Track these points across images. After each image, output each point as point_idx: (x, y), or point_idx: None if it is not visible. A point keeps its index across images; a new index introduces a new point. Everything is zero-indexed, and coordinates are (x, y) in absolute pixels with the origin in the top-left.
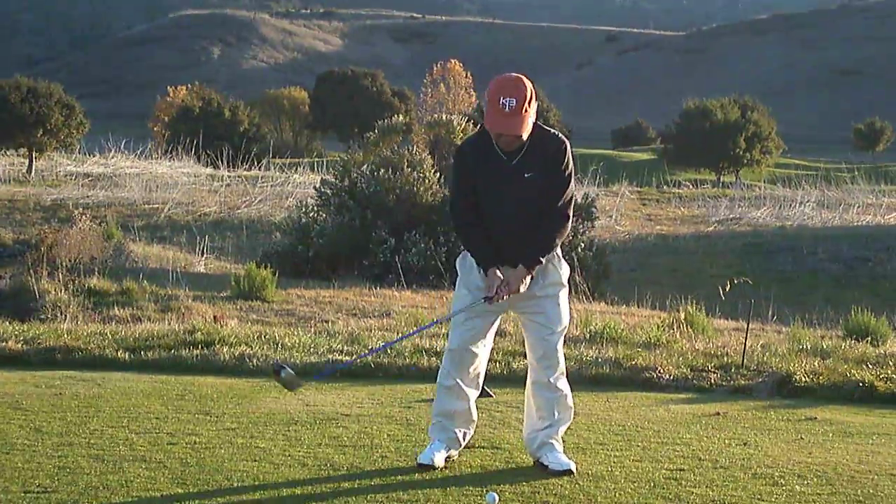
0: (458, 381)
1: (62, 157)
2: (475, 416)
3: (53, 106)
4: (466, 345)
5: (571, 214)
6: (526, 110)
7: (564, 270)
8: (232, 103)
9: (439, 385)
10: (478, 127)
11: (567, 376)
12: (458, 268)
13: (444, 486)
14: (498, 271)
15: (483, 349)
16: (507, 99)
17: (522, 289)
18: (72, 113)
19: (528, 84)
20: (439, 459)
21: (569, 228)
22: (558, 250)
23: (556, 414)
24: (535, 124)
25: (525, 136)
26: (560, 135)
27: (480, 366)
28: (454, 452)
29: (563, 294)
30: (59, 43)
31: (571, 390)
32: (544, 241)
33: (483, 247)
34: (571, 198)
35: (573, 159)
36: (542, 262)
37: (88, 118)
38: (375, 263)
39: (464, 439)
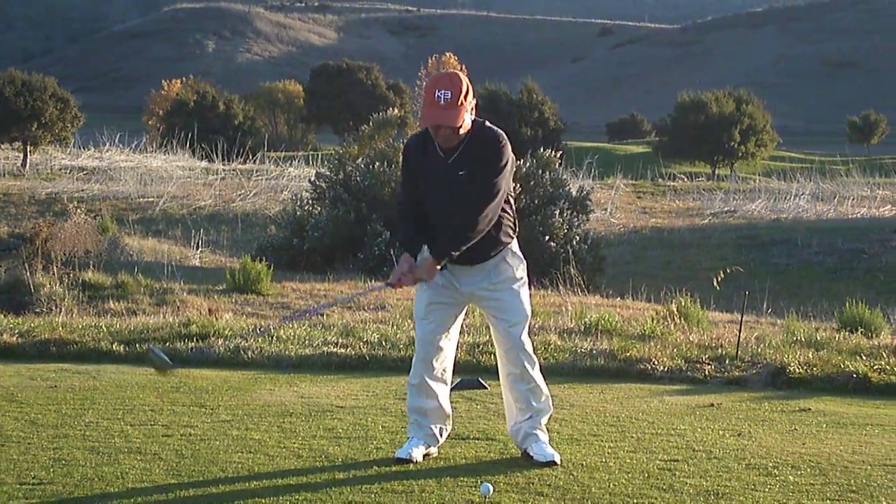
0: (425, 377)
1: (57, 150)
2: (449, 411)
3: (48, 99)
4: (429, 338)
5: (499, 212)
6: (461, 103)
7: (519, 266)
8: (227, 97)
9: (409, 384)
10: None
11: (540, 367)
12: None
13: (438, 476)
14: (410, 260)
15: (447, 342)
16: (443, 91)
17: (426, 277)
18: (66, 107)
19: (465, 79)
20: (417, 454)
21: (487, 226)
22: (514, 247)
23: (534, 404)
24: (474, 121)
25: (462, 130)
26: (499, 132)
27: (447, 360)
28: (433, 449)
29: (521, 288)
30: (54, 36)
31: (566, 382)
32: (455, 235)
33: (408, 235)
34: (499, 195)
35: (510, 157)
36: (450, 256)
37: (83, 112)
38: (370, 256)
39: (440, 435)
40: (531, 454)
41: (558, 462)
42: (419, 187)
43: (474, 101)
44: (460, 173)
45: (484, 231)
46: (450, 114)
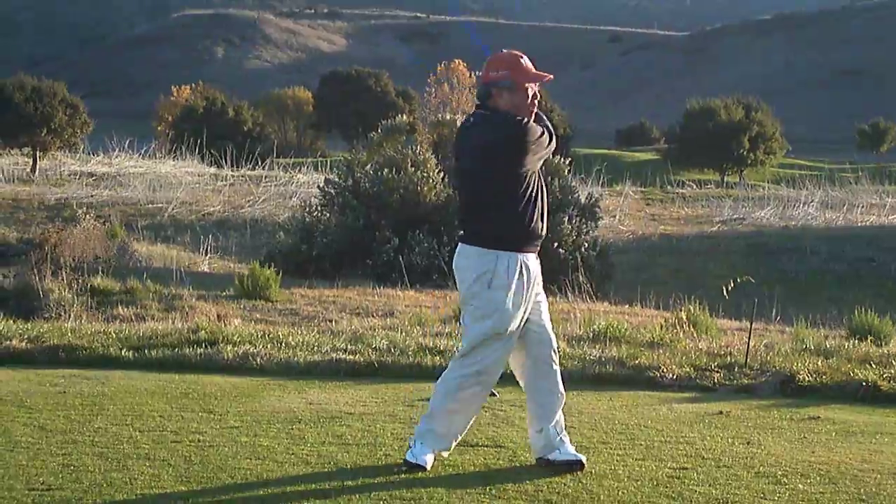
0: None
1: (66, 156)
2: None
3: (57, 105)
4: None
5: None
6: None
7: None
8: (236, 103)
9: (455, 391)
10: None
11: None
12: (493, 278)
13: (447, 484)
14: None
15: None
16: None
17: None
18: (76, 112)
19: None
20: (430, 460)
21: None
22: None
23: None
24: None
25: None
26: None
27: None
28: (444, 453)
29: None
30: (63, 42)
31: (575, 389)
32: None
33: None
34: None
35: None
36: None
37: (92, 118)
38: (379, 263)
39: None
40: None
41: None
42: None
43: None
44: None
45: None
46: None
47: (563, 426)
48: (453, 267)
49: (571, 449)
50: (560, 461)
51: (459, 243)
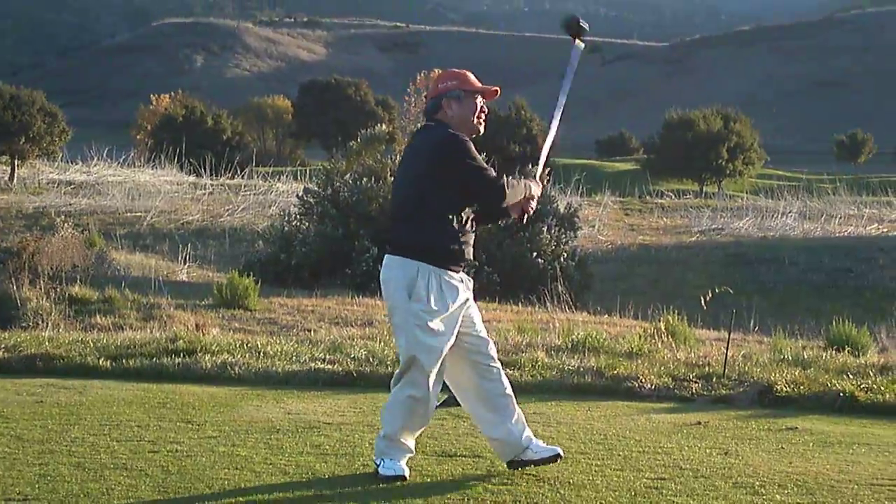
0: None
1: (44, 164)
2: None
3: (36, 113)
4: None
5: None
6: None
7: None
8: (215, 112)
9: (411, 400)
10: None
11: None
12: (424, 290)
13: (425, 495)
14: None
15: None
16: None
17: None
18: (54, 121)
19: None
20: (406, 468)
21: None
22: None
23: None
24: None
25: None
26: None
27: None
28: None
29: None
30: (43, 51)
31: (553, 399)
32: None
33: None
34: None
35: None
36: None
37: (71, 126)
38: (358, 272)
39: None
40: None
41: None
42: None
43: None
44: None
45: None
46: None
47: (525, 421)
48: (380, 280)
49: (542, 443)
50: (536, 459)
51: (385, 255)
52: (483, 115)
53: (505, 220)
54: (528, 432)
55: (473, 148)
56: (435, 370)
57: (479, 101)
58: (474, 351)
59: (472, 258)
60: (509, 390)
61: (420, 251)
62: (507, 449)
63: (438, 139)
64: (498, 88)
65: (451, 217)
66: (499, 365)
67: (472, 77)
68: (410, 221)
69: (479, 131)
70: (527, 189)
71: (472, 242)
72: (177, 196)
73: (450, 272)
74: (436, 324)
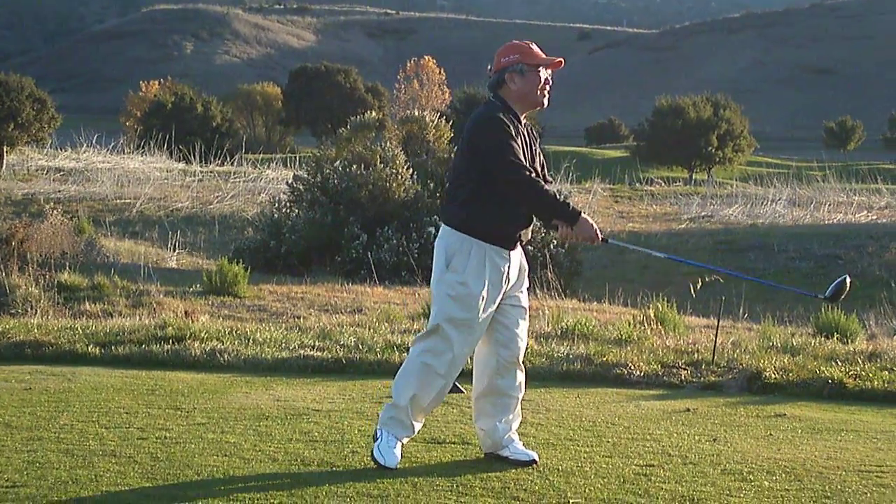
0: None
1: (33, 151)
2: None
3: (25, 100)
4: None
5: None
6: None
7: None
8: (204, 98)
9: (433, 376)
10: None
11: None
12: (462, 262)
13: (414, 481)
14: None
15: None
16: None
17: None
18: (43, 107)
19: None
20: (398, 455)
21: None
22: None
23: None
24: None
25: None
26: None
27: None
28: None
29: None
30: (31, 37)
31: (542, 386)
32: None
33: (559, 198)
34: None
35: None
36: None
37: (60, 112)
38: (347, 259)
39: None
40: (508, 455)
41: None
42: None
43: None
44: (536, 140)
45: None
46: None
47: (515, 425)
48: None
49: (521, 447)
50: (511, 460)
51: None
52: (548, 87)
53: (547, 226)
54: (512, 434)
55: (507, 130)
56: (460, 349)
57: (543, 73)
58: (503, 345)
59: (520, 238)
60: (518, 394)
61: (460, 223)
62: (488, 441)
63: (475, 118)
64: (562, 60)
65: (487, 194)
66: (521, 368)
67: (535, 49)
68: (455, 194)
69: (544, 104)
70: (566, 209)
71: (520, 223)
72: (166, 183)
73: (496, 248)
74: (467, 298)
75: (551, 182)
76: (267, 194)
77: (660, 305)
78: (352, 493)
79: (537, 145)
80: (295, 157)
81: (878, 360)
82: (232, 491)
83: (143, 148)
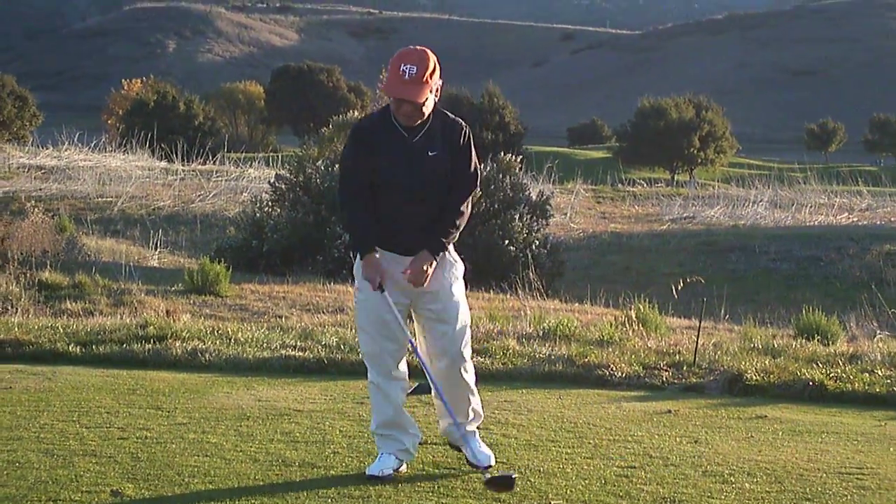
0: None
1: (15, 149)
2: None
3: (6, 97)
4: (389, 352)
5: (471, 207)
6: (426, 81)
7: (460, 266)
8: (187, 97)
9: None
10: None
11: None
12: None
13: (395, 482)
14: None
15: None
16: (408, 66)
17: (415, 281)
18: (25, 105)
19: (433, 58)
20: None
21: (467, 219)
22: (452, 247)
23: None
24: (437, 107)
25: (426, 111)
26: (461, 120)
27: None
28: (403, 467)
29: (462, 290)
30: (13, 34)
31: (524, 387)
32: (450, 225)
33: (369, 227)
34: (475, 184)
35: (477, 149)
36: (447, 249)
37: (42, 110)
38: (329, 259)
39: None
40: (466, 454)
41: (493, 465)
42: (378, 170)
43: (440, 83)
44: (430, 154)
45: (465, 224)
46: (414, 89)
47: (476, 427)
48: None
49: (482, 448)
50: (468, 459)
51: None
52: (403, 109)
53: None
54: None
55: (354, 142)
56: (371, 353)
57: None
58: (436, 357)
59: (397, 243)
60: (474, 390)
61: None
62: (450, 437)
63: (464, 124)
64: (405, 98)
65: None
66: (466, 370)
67: (405, 68)
68: None
69: (404, 123)
70: (354, 242)
71: (394, 228)
72: (148, 181)
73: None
74: (358, 303)
75: (476, 189)
76: (249, 193)
77: (641, 306)
78: (333, 494)
79: (460, 149)
80: (277, 157)
81: (859, 362)
82: (213, 491)
83: (125, 146)
